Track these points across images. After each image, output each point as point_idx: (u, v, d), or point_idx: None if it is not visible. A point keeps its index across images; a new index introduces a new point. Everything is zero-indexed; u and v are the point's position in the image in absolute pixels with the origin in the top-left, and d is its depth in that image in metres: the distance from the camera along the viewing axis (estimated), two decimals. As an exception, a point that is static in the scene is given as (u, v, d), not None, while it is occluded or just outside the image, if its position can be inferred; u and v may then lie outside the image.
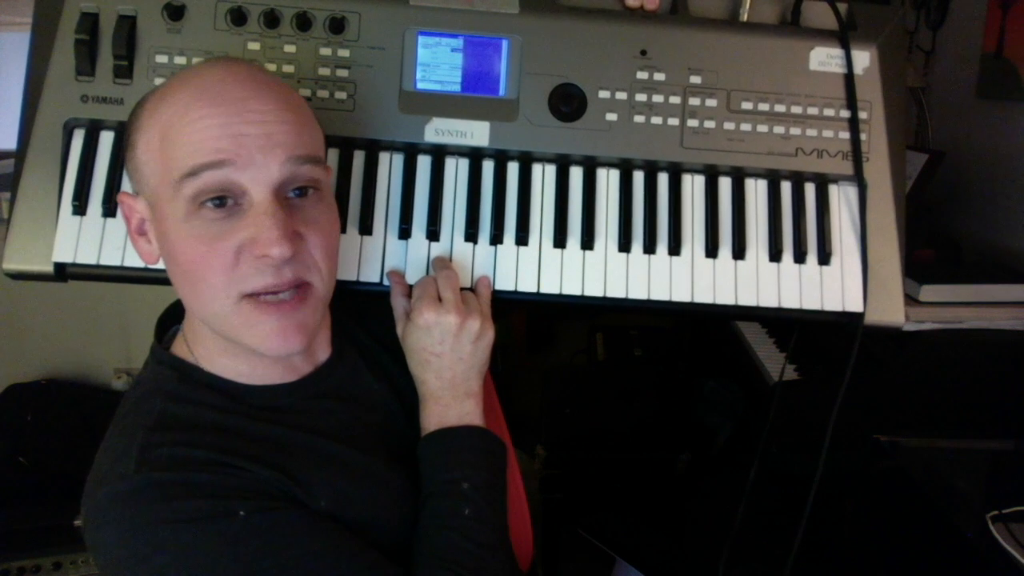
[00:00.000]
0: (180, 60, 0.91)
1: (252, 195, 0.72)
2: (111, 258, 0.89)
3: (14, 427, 2.05)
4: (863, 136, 0.98)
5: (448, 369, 0.87)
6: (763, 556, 1.08)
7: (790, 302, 0.95)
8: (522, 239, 0.94)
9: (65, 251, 0.89)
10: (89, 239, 0.89)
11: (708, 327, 2.23)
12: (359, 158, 0.94)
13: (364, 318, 0.98)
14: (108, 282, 0.90)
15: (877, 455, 1.34)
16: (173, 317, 0.90)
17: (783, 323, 1.72)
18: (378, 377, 0.93)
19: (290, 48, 0.92)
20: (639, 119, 0.96)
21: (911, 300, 1.46)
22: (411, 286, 0.91)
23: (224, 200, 0.71)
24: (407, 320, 0.88)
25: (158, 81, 0.90)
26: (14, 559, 1.81)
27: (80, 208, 0.89)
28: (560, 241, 0.94)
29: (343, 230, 0.91)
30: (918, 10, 2.13)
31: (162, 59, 0.91)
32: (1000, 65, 1.76)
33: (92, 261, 0.89)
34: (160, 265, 0.81)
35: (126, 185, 0.88)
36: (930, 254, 1.74)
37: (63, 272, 0.89)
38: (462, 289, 0.90)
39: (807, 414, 1.18)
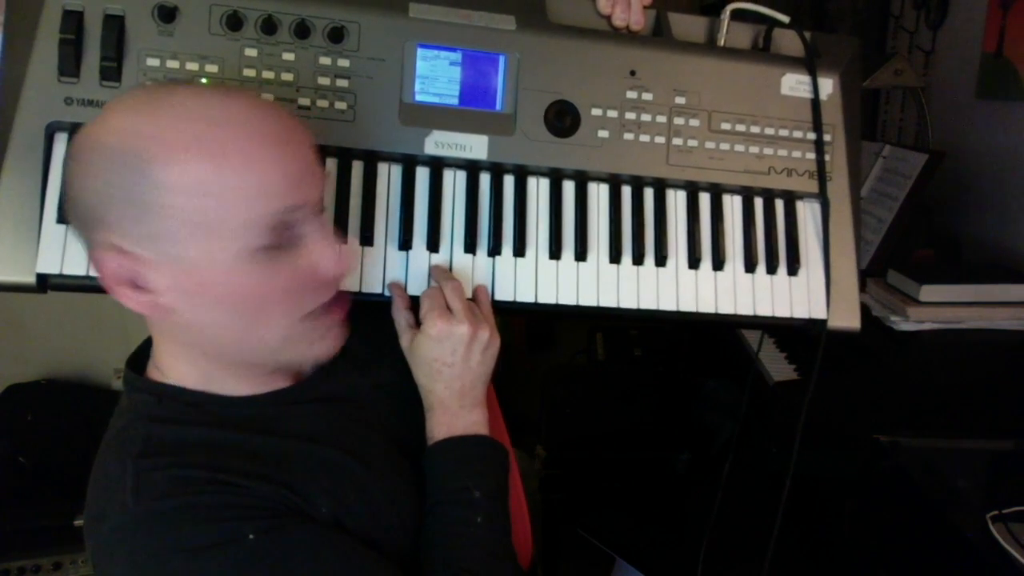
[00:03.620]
0: (173, 64, 0.87)
1: (304, 225, 0.73)
2: None
3: (14, 427, 2.05)
4: (827, 157, 1.04)
5: (458, 379, 0.87)
6: (761, 555, 1.08)
7: (764, 310, 1.02)
8: (519, 251, 0.95)
9: (50, 262, 0.84)
10: (77, 249, 0.83)
11: (708, 327, 2.23)
12: (357, 168, 0.93)
13: (351, 320, 0.98)
14: (94, 293, 0.84)
15: (877, 455, 1.34)
16: (143, 353, 0.86)
17: (758, 328, 1.74)
18: (370, 378, 0.92)
19: (288, 56, 0.90)
20: (629, 136, 0.99)
21: (911, 300, 1.46)
22: (413, 298, 0.92)
23: (279, 237, 0.71)
24: (414, 332, 0.88)
25: (150, 84, 0.86)
26: (14, 559, 1.82)
27: (65, 216, 0.83)
28: (555, 253, 0.96)
29: (343, 240, 0.91)
30: (918, 10, 2.14)
31: (153, 62, 0.87)
32: (1000, 65, 1.77)
33: (80, 272, 0.84)
34: None
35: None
36: (930, 254, 1.74)
37: (45, 284, 0.85)
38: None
39: (807, 414, 1.18)
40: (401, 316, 0.91)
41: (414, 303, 0.91)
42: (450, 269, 0.93)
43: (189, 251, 0.69)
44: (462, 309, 0.87)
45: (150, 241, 0.69)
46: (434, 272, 0.92)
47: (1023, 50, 1.70)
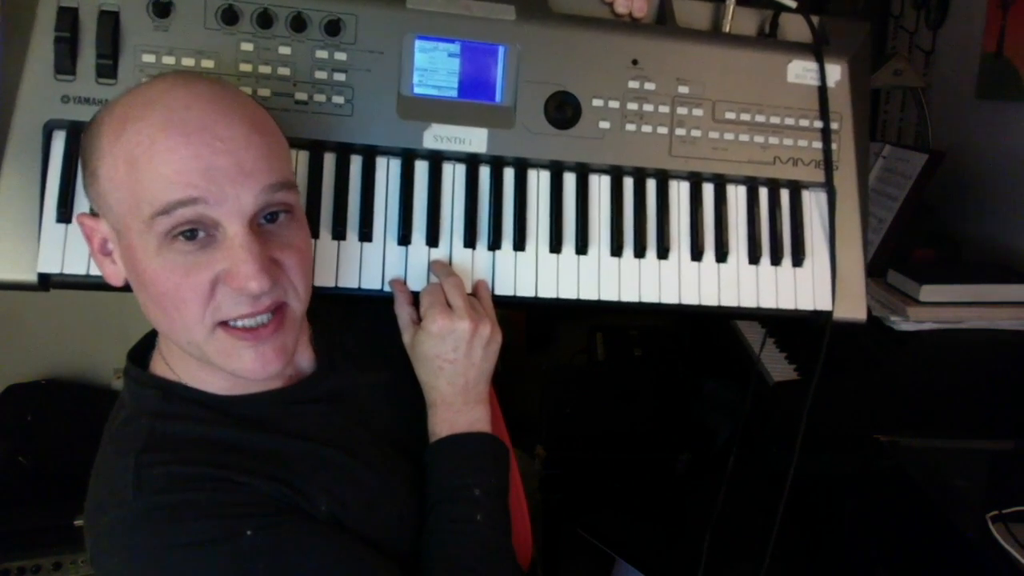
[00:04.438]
0: (169, 60, 0.87)
1: (226, 228, 0.70)
2: None
3: (14, 427, 2.05)
4: (834, 146, 1.03)
5: (460, 375, 0.87)
6: (761, 555, 1.08)
7: (767, 302, 1.01)
8: (519, 244, 0.95)
9: (51, 261, 0.84)
10: (76, 248, 0.84)
11: (708, 327, 2.23)
12: (356, 163, 0.93)
13: (349, 318, 0.98)
14: (96, 291, 0.85)
15: (877, 455, 1.34)
16: (145, 346, 0.87)
17: (761, 319, 1.74)
18: (368, 377, 0.92)
19: (285, 50, 0.90)
20: (631, 127, 0.98)
21: (911, 300, 1.46)
22: (414, 293, 0.91)
23: (196, 232, 0.69)
24: (416, 328, 0.88)
25: (145, 81, 0.85)
26: (14, 559, 1.81)
27: (65, 215, 0.84)
28: (556, 246, 0.96)
29: (343, 236, 0.91)
30: (918, 10, 2.14)
31: (149, 58, 0.87)
32: (1000, 65, 1.77)
33: (81, 271, 0.84)
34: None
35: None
36: (930, 254, 1.74)
37: (47, 282, 0.85)
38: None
39: (808, 412, 1.19)
40: (403, 312, 0.91)
41: (415, 299, 0.91)
42: (450, 264, 0.93)
43: (123, 223, 0.71)
44: (463, 305, 0.87)
45: (101, 205, 0.73)
46: (434, 267, 0.92)
47: (1023, 50, 1.70)
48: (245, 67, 0.89)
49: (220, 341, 0.73)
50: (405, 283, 0.92)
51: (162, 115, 0.69)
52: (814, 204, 1.04)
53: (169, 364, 0.81)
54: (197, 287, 0.70)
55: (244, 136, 0.71)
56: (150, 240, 0.69)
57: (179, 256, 0.70)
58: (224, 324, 0.72)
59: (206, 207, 0.68)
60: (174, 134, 0.68)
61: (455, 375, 0.87)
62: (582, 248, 0.96)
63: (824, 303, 1.01)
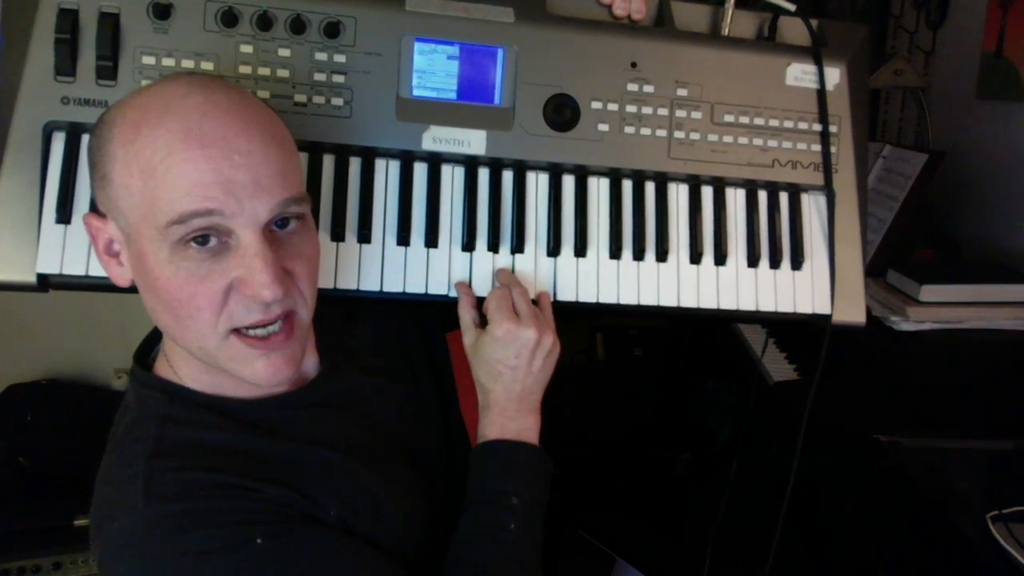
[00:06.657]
0: (168, 62, 0.87)
1: (239, 235, 0.70)
2: (101, 268, 0.82)
3: (14, 427, 2.05)
4: (833, 149, 1.02)
5: (519, 382, 0.87)
6: (761, 555, 1.08)
7: (766, 305, 1.01)
8: (518, 247, 0.95)
9: (50, 262, 0.84)
10: (76, 249, 0.84)
11: (708, 327, 2.23)
12: (355, 164, 0.93)
13: (349, 321, 0.97)
14: (95, 291, 0.86)
15: (877, 455, 1.34)
16: (149, 344, 0.87)
17: (760, 323, 1.74)
18: (369, 380, 0.92)
19: (284, 52, 0.90)
20: (629, 130, 0.98)
21: (911, 300, 1.46)
22: (476, 297, 0.92)
23: (208, 238, 0.69)
24: (479, 331, 0.89)
25: (145, 83, 0.86)
26: (14, 559, 1.81)
27: (64, 216, 0.85)
28: (555, 249, 0.96)
29: (341, 238, 0.91)
30: (918, 10, 2.14)
31: (149, 60, 0.87)
32: (1000, 65, 1.77)
33: (80, 272, 0.84)
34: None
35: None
36: (930, 254, 1.74)
37: (46, 283, 0.85)
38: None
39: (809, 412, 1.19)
40: (467, 314, 0.91)
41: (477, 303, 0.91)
42: (448, 265, 0.93)
43: (135, 228, 0.71)
44: (529, 313, 0.87)
45: (111, 208, 0.72)
46: (500, 275, 0.93)
47: (1023, 50, 1.70)
48: (244, 69, 0.89)
49: (233, 348, 0.73)
50: (470, 286, 0.93)
51: (179, 123, 0.68)
52: (813, 207, 1.04)
53: (173, 367, 0.81)
54: (211, 295, 0.70)
55: (262, 151, 0.70)
56: (162, 246, 0.69)
57: (192, 264, 0.69)
58: (237, 331, 0.73)
59: (222, 218, 0.68)
60: (192, 144, 0.68)
61: (513, 381, 0.87)
62: (581, 250, 0.96)
63: (823, 306, 1.01)
